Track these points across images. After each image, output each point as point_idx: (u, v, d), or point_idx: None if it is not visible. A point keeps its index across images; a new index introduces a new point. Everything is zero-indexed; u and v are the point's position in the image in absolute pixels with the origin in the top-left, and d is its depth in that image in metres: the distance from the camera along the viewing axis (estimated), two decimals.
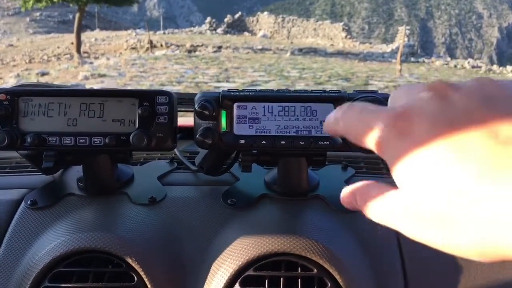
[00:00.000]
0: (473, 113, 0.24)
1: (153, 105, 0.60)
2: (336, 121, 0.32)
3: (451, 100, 0.26)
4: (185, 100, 0.79)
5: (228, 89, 0.61)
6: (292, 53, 17.31)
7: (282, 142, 0.60)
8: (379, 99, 0.56)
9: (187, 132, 0.87)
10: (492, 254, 0.23)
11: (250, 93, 0.60)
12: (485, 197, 0.22)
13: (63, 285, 0.54)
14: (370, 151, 0.60)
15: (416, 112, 0.26)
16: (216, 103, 0.59)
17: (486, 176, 0.22)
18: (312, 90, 0.61)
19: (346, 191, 0.33)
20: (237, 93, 0.60)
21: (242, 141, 0.60)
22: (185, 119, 0.85)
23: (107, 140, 0.60)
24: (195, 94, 0.63)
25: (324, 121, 0.60)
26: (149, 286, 0.54)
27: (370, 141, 0.29)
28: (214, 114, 0.59)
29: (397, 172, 0.27)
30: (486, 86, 0.26)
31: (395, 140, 0.26)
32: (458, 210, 0.23)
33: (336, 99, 0.59)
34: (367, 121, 0.29)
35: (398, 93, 0.31)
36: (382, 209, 0.29)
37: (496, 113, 0.24)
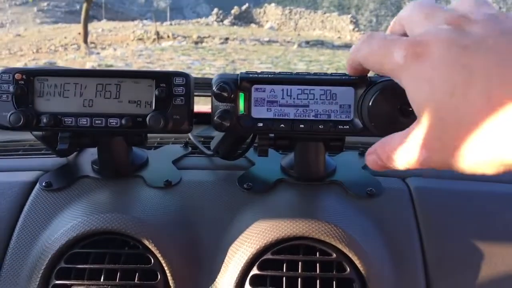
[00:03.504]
0: (487, 41, 0.26)
1: (170, 86, 0.59)
2: (357, 50, 0.34)
3: (468, 31, 0.28)
4: (200, 85, 0.78)
5: (247, 71, 0.60)
6: (299, 45, 17.21)
7: (301, 126, 0.59)
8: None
9: (201, 118, 0.86)
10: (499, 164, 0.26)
11: (269, 76, 0.59)
12: (494, 115, 0.24)
13: (79, 266, 0.54)
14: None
15: (434, 39, 0.28)
16: (234, 85, 0.58)
17: (494, 95, 0.25)
18: (332, 73, 0.60)
19: (368, 153, 0.35)
20: (256, 75, 0.59)
21: (260, 125, 0.59)
22: (198, 105, 0.84)
23: (123, 122, 0.59)
24: (210, 79, 0.62)
25: (343, 105, 0.59)
26: (166, 268, 0.54)
27: (388, 66, 0.31)
28: (232, 96, 0.58)
29: (412, 94, 0.29)
30: (502, 20, 0.28)
31: (413, 63, 0.29)
32: (471, 128, 0.25)
33: (357, 82, 0.58)
34: (387, 47, 0.31)
35: (415, 17, 0.32)
36: (405, 152, 0.30)
37: (508, 42, 0.26)
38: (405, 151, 0.30)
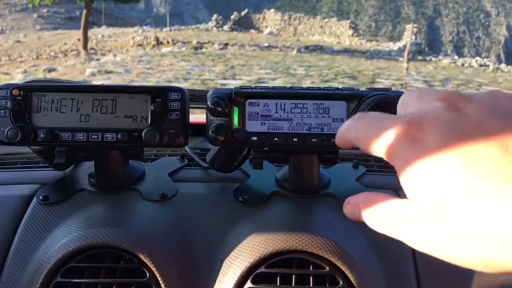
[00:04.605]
0: (485, 126, 0.24)
1: (166, 101, 0.60)
2: (348, 129, 0.32)
3: (464, 112, 0.26)
4: (196, 97, 0.79)
5: (241, 86, 0.61)
6: (299, 50, 17.26)
7: (294, 140, 0.60)
8: (393, 97, 0.56)
9: (197, 129, 0.87)
10: (497, 266, 0.23)
11: (263, 90, 0.60)
12: (493, 211, 0.22)
13: (75, 280, 0.54)
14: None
15: (429, 120, 0.26)
16: (228, 100, 0.59)
17: (496, 189, 0.22)
18: (325, 87, 0.61)
19: (347, 201, 0.33)
20: (250, 90, 0.60)
21: (254, 138, 0.60)
22: (195, 116, 0.85)
23: (119, 136, 0.60)
24: (206, 91, 0.63)
25: (336, 118, 0.60)
26: (161, 282, 0.55)
27: (381, 148, 0.28)
28: (226, 110, 0.59)
29: (406, 179, 0.26)
30: (499, 99, 0.26)
31: (406, 146, 0.26)
32: (465, 222, 0.23)
33: (349, 96, 0.59)
34: (379, 127, 0.28)
35: (408, 99, 0.30)
36: (387, 219, 0.28)
37: (507, 126, 0.24)
38: (388, 222, 0.28)
